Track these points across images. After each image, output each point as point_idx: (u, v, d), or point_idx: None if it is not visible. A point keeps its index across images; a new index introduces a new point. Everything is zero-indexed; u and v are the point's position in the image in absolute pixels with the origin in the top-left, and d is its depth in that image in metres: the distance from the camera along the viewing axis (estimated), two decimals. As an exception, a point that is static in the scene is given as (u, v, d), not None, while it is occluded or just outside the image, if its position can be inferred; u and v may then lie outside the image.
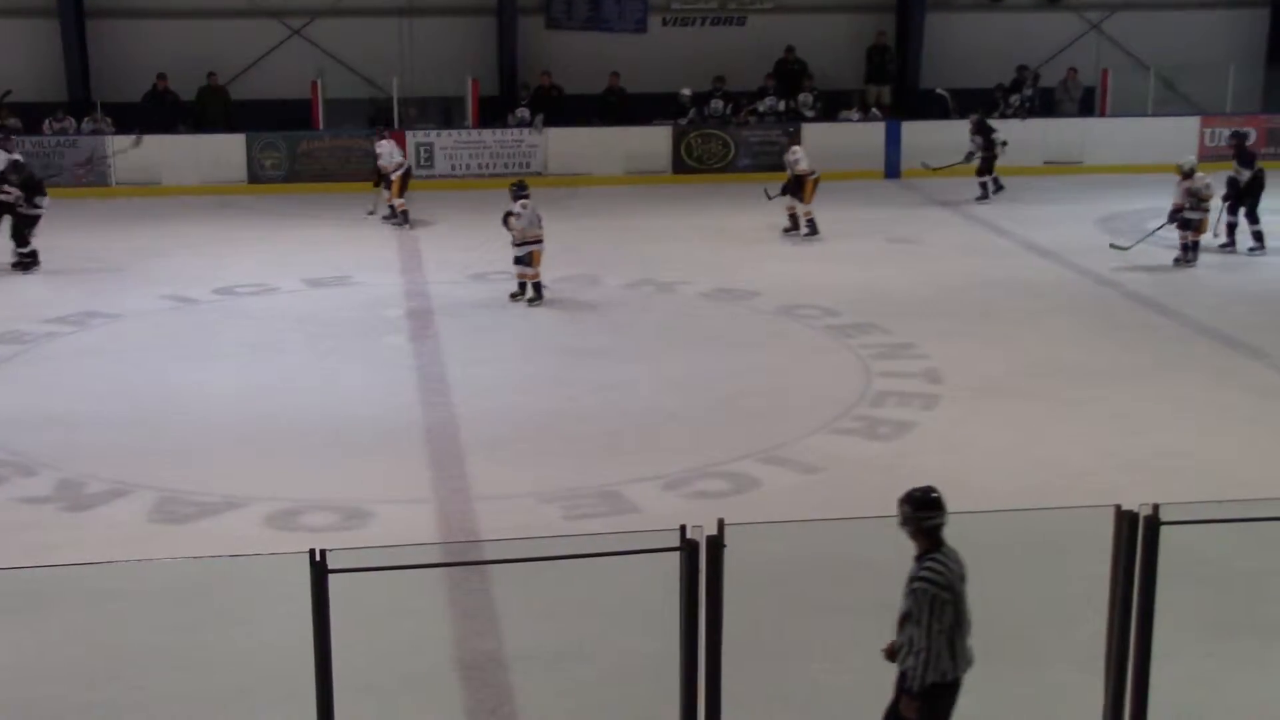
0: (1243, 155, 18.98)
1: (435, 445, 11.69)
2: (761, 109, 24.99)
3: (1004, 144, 22.53)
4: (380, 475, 11.00)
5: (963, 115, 24.94)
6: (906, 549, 9.33)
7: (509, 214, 15.80)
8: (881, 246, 19.17)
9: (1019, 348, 14.28)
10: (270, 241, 19.44)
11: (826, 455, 11.42)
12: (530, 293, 15.90)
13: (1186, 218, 17.57)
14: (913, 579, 6.37)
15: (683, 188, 23.30)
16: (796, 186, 19.55)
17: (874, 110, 25.53)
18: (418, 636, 8.43)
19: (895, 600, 8.82)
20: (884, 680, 7.90)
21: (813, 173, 19.58)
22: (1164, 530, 5.97)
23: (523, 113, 24.20)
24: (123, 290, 16.51)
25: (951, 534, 7.11)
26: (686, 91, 24.68)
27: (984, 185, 22.32)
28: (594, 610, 8.52)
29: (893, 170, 24.47)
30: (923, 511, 6.46)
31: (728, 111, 24.79)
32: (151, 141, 22.73)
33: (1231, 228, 18.67)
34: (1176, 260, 17.63)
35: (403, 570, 7.28)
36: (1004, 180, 22.65)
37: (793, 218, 19.59)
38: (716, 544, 5.92)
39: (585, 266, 17.45)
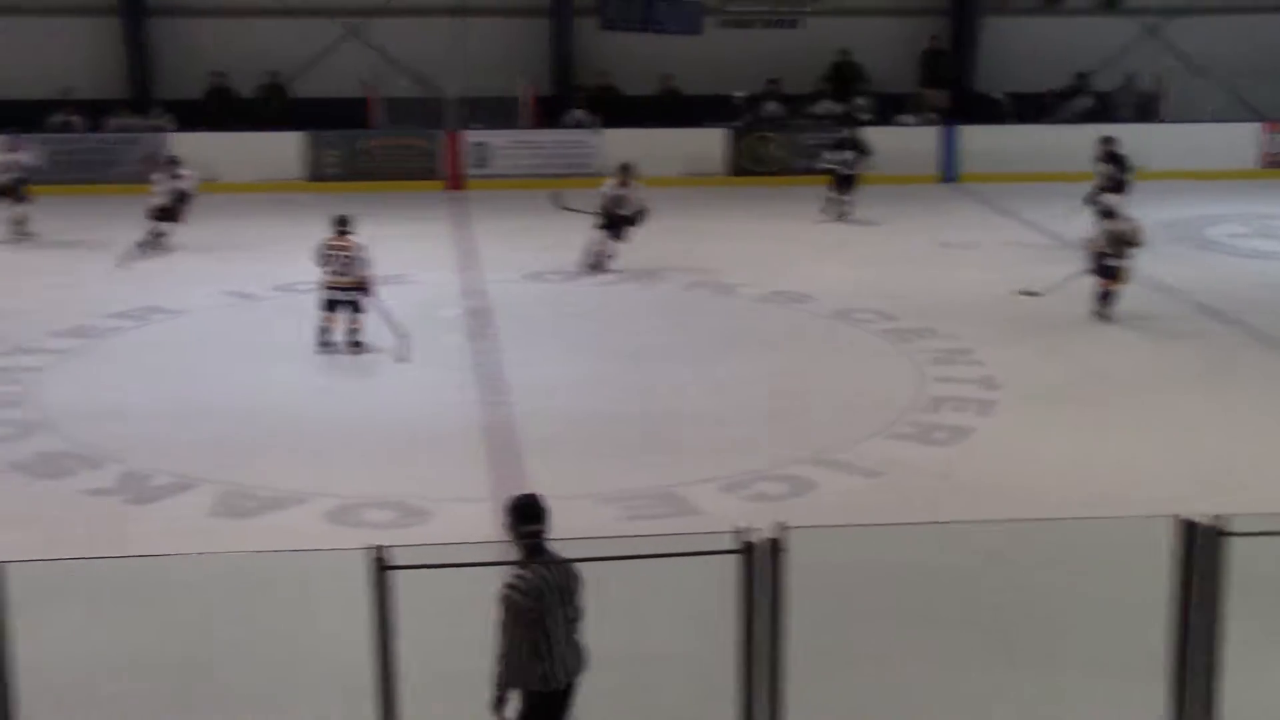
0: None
1: (493, 444, 11.76)
2: (817, 112, 24.96)
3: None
4: (439, 473, 11.08)
5: (1020, 119, 24.89)
6: (964, 555, 9.38)
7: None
8: (938, 251, 19.12)
9: (1076, 354, 14.23)
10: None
11: (883, 460, 11.42)
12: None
13: (1106, 265, 15.33)
14: (502, 586, 6.32)
15: (738, 190, 23.31)
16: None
17: (929, 114, 25.45)
18: (475, 634, 8.45)
19: (951, 607, 8.86)
20: (940, 687, 7.93)
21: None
22: (1228, 541, 5.95)
23: (578, 113, 24.27)
24: (184, 286, 16.67)
25: (1007, 541, 7.10)
26: (741, 94, 24.68)
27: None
28: (652, 612, 8.55)
29: (949, 174, 24.39)
30: (519, 522, 6.47)
31: (783, 114, 24.78)
32: (211, 139, 23.04)
33: None
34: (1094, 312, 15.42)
35: (461, 568, 7.37)
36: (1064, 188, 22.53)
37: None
38: (776, 547, 5.94)
39: (643, 268, 17.48)
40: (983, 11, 26.16)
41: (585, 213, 17.58)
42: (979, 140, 24.43)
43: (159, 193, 18.26)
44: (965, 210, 22.11)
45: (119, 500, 10.54)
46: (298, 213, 21.22)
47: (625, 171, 17.58)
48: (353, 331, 13.93)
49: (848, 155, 20.95)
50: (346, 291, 13.85)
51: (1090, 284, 15.39)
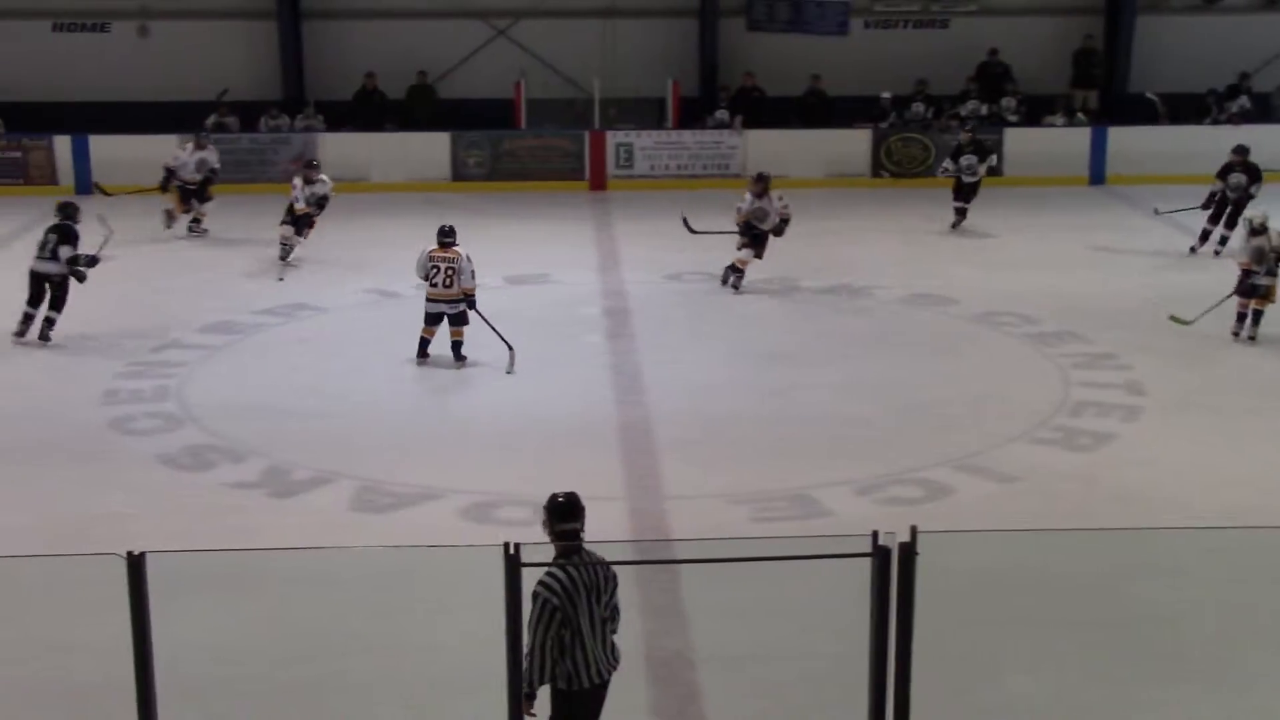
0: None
1: (629, 443, 11.79)
2: (963, 113, 24.66)
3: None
4: (573, 472, 11.03)
5: (1173, 120, 24.34)
6: (1104, 562, 9.19)
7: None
8: (1084, 254, 18.76)
9: (1225, 361, 13.89)
10: (472, 239, 19.61)
11: (1023, 465, 11.24)
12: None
13: (1252, 283, 14.33)
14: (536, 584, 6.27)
15: (881, 191, 23.12)
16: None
17: (1079, 115, 25.00)
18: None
19: (1092, 615, 8.69)
20: (1081, 697, 7.77)
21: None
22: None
23: (721, 114, 24.25)
24: (329, 284, 16.95)
25: (1148, 549, 6.92)
26: (887, 95, 24.48)
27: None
28: (783, 613, 8.51)
29: (1097, 176, 23.93)
30: (555, 520, 6.50)
31: (929, 115, 24.53)
32: (360, 139, 23.52)
33: None
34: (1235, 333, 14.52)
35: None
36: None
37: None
38: (909, 551, 5.87)
39: (782, 269, 17.40)
40: (1138, 10, 25.62)
41: (720, 233, 17.11)
42: (1129, 142, 23.92)
43: (297, 197, 18.03)
44: (1114, 213, 21.67)
45: (261, 494, 10.74)
46: (443, 213, 21.44)
47: (762, 182, 16.74)
48: (456, 344, 13.74)
49: (970, 159, 20.10)
50: (451, 304, 13.62)
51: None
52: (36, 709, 7.70)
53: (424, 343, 13.73)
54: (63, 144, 23.07)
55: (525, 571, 5.79)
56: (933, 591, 6.05)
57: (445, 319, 13.66)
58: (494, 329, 13.66)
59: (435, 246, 13.72)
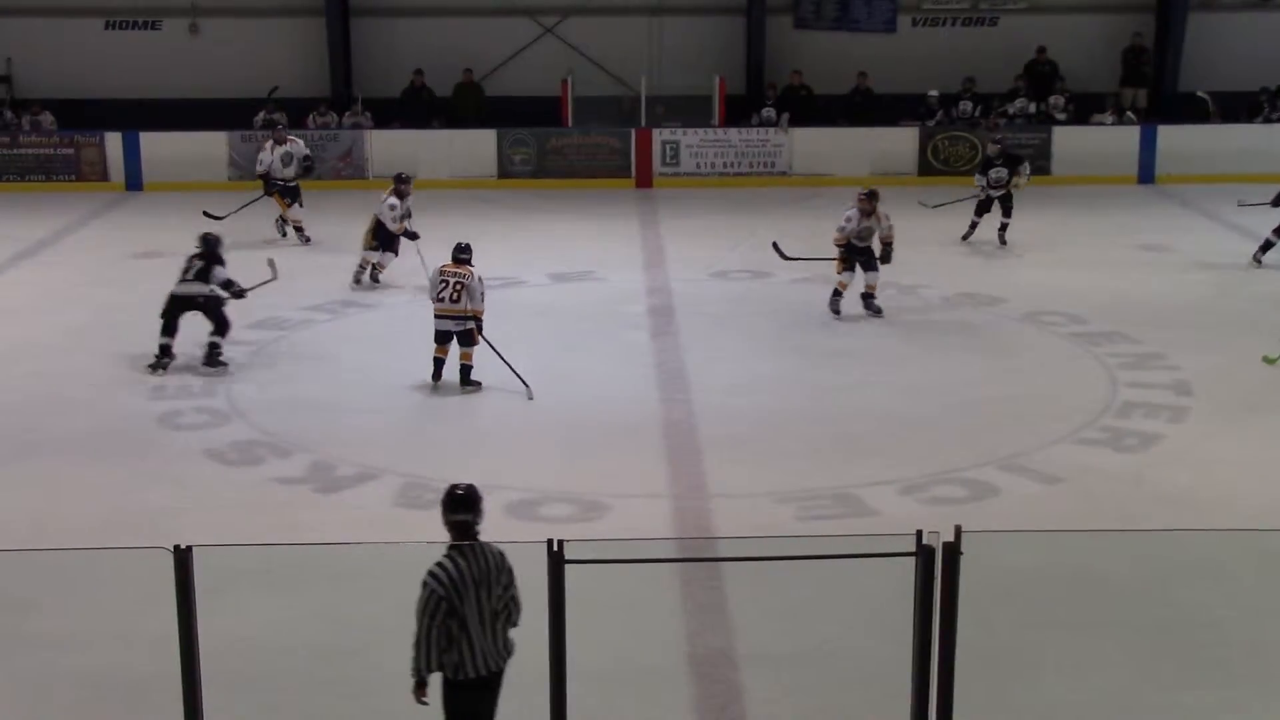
0: None
1: (673, 441, 11.79)
2: (1011, 111, 24.56)
3: None
4: (618, 469, 11.14)
5: (1225, 119, 24.16)
6: (1151, 564, 9.14)
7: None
8: (1132, 253, 18.64)
9: (1229, 351, 13.76)
10: (518, 236, 19.83)
11: (1069, 465, 11.18)
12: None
13: None
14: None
15: (928, 190, 23.01)
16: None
17: (1128, 114, 24.85)
18: (650, 630, 8.53)
19: (1136, 617, 8.64)
20: (1125, 701, 7.74)
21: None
22: None
23: (768, 112, 24.23)
24: (377, 282, 16.97)
25: (1196, 550, 6.83)
26: (934, 93, 24.40)
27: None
28: (827, 612, 8.51)
29: (1146, 175, 23.77)
30: (447, 510, 6.66)
31: (976, 113, 24.43)
32: (408, 136, 23.65)
33: None
34: None
35: (637, 564, 7.41)
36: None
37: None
38: (953, 551, 5.86)
39: (827, 268, 17.35)
40: (1189, 7, 25.44)
41: (816, 259, 15.98)
42: (1179, 140, 23.76)
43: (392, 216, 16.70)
44: (1164, 212, 21.52)
45: (307, 489, 10.81)
46: (489, 210, 21.60)
47: (872, 199, 15.38)
48: (464, 368, 12.95)
49: (1001, 173, 18.80)
50: (457, 321, 12.81)
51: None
52: (90, 700, 7.77)
53: (438, 363, 12.99)
54: (114, 141, 23.31)
55: (568, 569, 5.82)
56: (976, 592, 6.04)
57: (453, 338, 12.91)
58: (505, 361, 12.88)
59: (448, 262, 13.02)
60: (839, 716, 7.68)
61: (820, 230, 19.26)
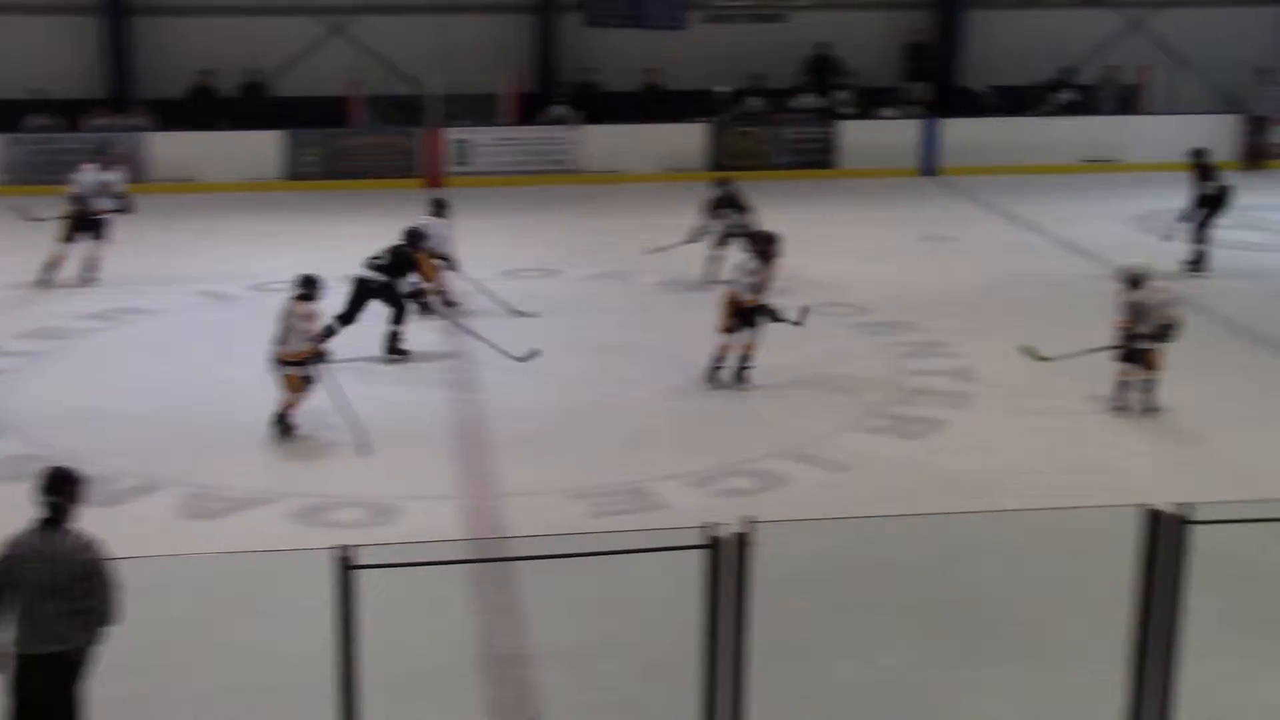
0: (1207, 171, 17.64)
1: (464, 442, 11.71)
2: (798, 106, 24.92)
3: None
4: (408, 472, 11.03)
5: (1002, 112, 24.89)
6: (935, 547, 9.35)
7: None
8: (916, 244, 19.08)
9: (1052, 346, 14.17)
10: (307, 238, 19.51)
11: (856, 454, 11.39)
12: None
13: (1134, 347, 12.18)
14: None
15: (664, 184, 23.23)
16: None
17: (911, 108, 25.42)
18: (443, 633, 8.45)
19: (924, 600, 8.83)
20: (912, 679, 7.89)
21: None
22: (1194, 530, 5.91)
23: (559, 109, 24.22)
24: (160, 286, 16.56)
25: (978, 532, 6.99)
26: (724, 89, 24.64)
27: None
28: (620, 607, 8.52)
29: (930, 168, 24.35)
30: (38, 490, 6.58)
31: (764, 109, 24.73)
32: (192, 138, 23.05)
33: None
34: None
35: (429, 566, 7.32)
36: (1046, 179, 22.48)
37: None
38: (743, 542, 5.90)
39: (616, 263, 17.44)
40: (967, 4, 26.12)
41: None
42: (960, 134, 24.41)
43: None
44: (946, 204, 22.08)
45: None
46: (276, 212, 21.20)
47: (772, 241, 13.33)
48: (279, 415, 11.69)
49: (729, 217, 16.78)
50: (283, 366, 11.60)
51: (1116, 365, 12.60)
52: None
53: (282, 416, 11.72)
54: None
55: (359, 574, 5.71)
56: (767, 581, 6.09)
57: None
58: (343, 406, 11.62)
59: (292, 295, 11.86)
60: (633, 711, 7.70)
61: (610, 226, 19.40)
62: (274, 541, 9.36)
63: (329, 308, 12.35)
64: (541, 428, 12.01)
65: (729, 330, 12.88)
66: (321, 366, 11.64)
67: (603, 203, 21.73)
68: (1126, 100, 25.79)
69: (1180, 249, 17.30)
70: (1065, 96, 25.16)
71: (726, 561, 5.92)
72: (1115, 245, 18.62)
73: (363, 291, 13.98)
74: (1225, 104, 25.91)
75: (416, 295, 14.04)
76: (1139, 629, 6.11)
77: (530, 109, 24.48)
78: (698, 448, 11.45)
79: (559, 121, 24.01)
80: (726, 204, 16.68)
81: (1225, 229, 19.77)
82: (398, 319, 13.96)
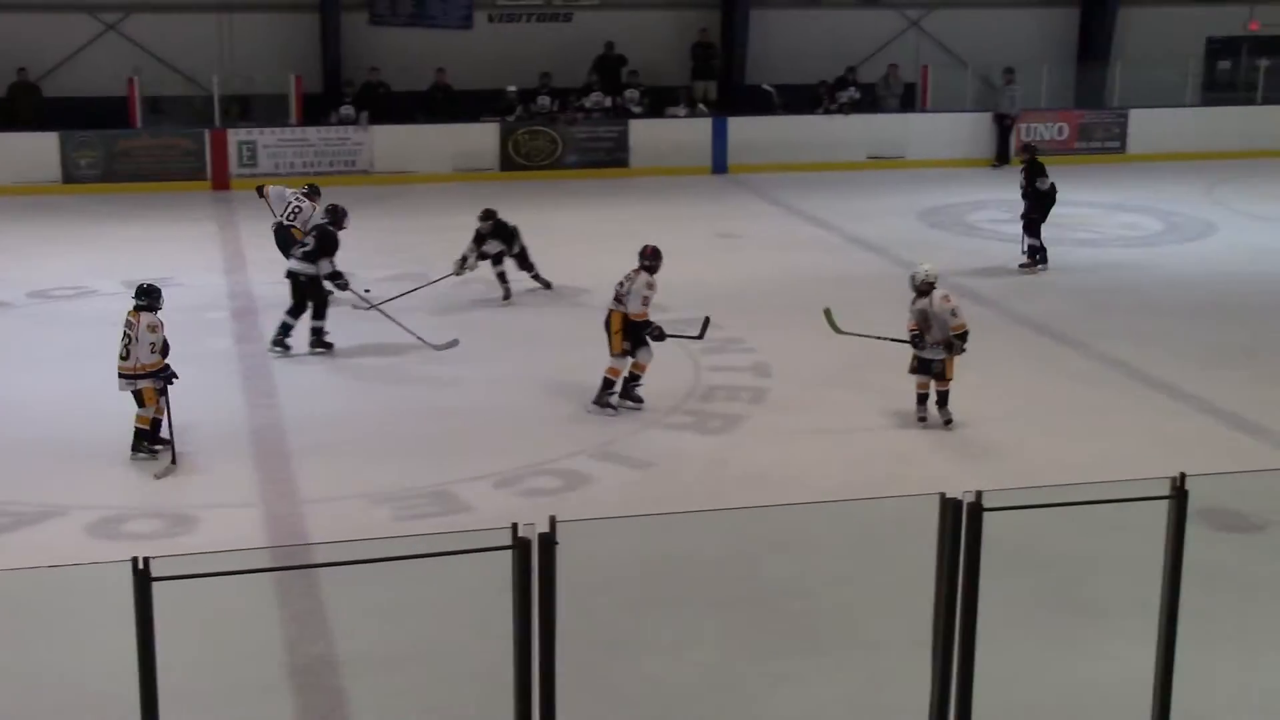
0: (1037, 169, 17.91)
1: (262, 449, 11.49)
2: (588, 105, 25.02)
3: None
4: (206, 480, 10.78)
5: (788, 110, 25.34)
6: (739, 541, 9.46)
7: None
8: (709, 241, 19.31)
9: (847, 340, 14.44)
10: (87, 243, 18.97)
11: (658, 450, 11.47)
12: None
13: (922, 357, 11.99)
14: None
15: (511, 185, 23.23)
16: None
17: (700, 106, 25.71)
18: (247, 643, 8.29)
19: (728, 593, 8.93)
20: (723, 674, 7.98)
21: None
22: (987, 516, 6.08)
23: (346, 110, 23.92)
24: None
25: (780, 526, 7.13)
26: (513, 88, 24.61)
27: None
28: (427, 611, 8.45)
29: (719, 165, 24.66)
30: None
31: (555, 108, 24.77)
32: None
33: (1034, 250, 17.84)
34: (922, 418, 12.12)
35: (230, 576, 7.16)
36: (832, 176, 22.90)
37: None
38: (548, 541, 5.89)
39: (412, 266, 17.28)
40: (751, 4, 26.51)
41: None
42: (748, 132, 24.78)
43: None
44: (738, 201, 22.38)
45: None
46: (53, 216, 20.55)
47: (656, 257, 12.81)
48: (137, 432, 11.17)
49: (495, 248, 16.30)
50: (129, 380, 11.09)
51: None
52: None
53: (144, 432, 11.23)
54: None
55: (156, 586, 5.56)
56: (575, 580, 6.10)
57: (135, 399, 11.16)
58: (167, 424, 11.14)
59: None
60: (445, 714, 7.64)
61: (402, 229, 19.23)
62: (66, 557, 9.06)
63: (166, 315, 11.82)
64: (341, 432, 11.86)
65: (624, 352, 12.32)
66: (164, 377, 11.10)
67: (395, 204, 21.52)
68: (907, 99, 26.48)
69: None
70: (849, 95, 25.70)
71: (533, 561, 5.91)
72: (903, 240, 19.13)
73: (296, 284, 14.05)
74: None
75: (334, 277, 14.01)
76: (940, 615, 6.26)
77: (316, 110, 24.12)
78: (500, 449, 11.41)
79: (346, 122, 23.72)
80: (493, 235, 16.18)
81: (1003, 224, 20.49)
82: (319, 313, 14.04)
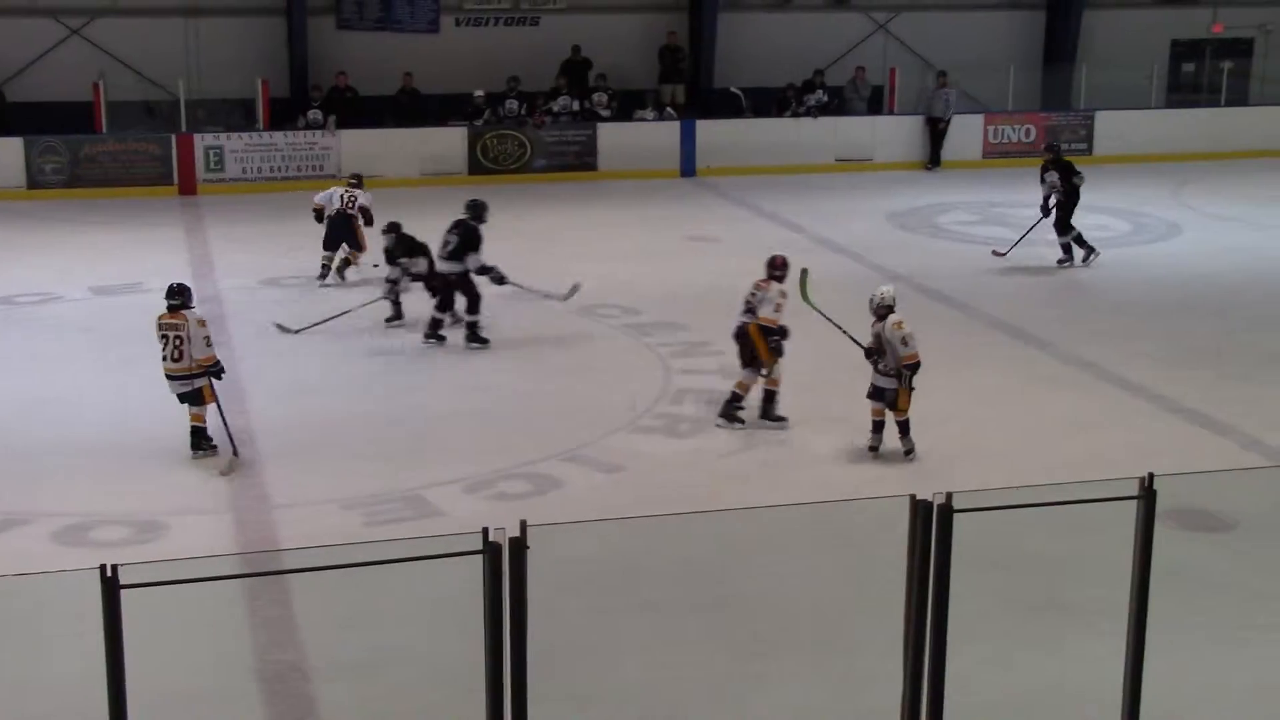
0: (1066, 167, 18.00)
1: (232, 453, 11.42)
2: (556, 109, 25.00)
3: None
4: (175, 487, 10.72)
5: (756, 114, 25.39)
6: (714, 544, 9.47)
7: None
8: (680, 244, 19.32)
9: (816, 342, 14.45)
10: (53, 249, 18.85)
11: (628, 454, 11.46)
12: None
13: (877, 384, 11.48)
14: None
15: (479, 189, 23.11)
16: None
17: (668, 109, 25.72)
18: (217, 650, 8.25)
19: (701, 597, 8.93)
20: (698, 676, 7.98)
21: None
22: (958, 517, 6.09)
23: (314, 115, 23.84)
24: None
25: (753, 527, 7.09)
26: (480, 92, 24.55)
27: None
28: (399, 617, 8.42)
29: (689, 168, 24.67)
30: None
31: (523, 112, 24.74)
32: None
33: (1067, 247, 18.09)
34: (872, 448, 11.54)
35: (200, 583, 7.12)
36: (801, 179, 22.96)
37: None
38: (519, 545, 5.88)
39: (383, 269, 17.21)
40: (719, 8, 26.53)
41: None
42: (716, 135, 24.80)
43: None
44: (707, 204, 22.40)
45: None
46: (18, 222, 20.42)
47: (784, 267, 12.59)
48: (194, 430, 11.28)
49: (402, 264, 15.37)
50: (182, 382, 11.19)
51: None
52: None
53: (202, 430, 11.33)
54: None
55: (125, 593, 5.53)
56: (547, 584, 6.08)
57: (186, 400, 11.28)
58: (222, 420, 11.31)
59: (165, 311, 11.32)
60: (419, 718, 7.62)
61: (371, 233, 19.15)
62: (34, 563, 9.00)
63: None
64: (312, 437, 11.81)
65: (760, 366, 12.07)
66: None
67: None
68: (875, 101, 26.54)
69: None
70: (816, 98, 25.74)
71: (504, 565, 5.89)
72: (871, 242, 19.17)
73: (445, 283, 14.37)
74: (968, 104, 26.85)
75: (485, 270, 14.28)
76: (912, 617, 6.28)
77: (284, 114, 24.04)
78: (470, 454, 11.38)
79: (314, 126, 23.64)
80: (400, 250, 15.28)
81: (971, 226, 20.58)
82: (474, 308, 14.31)
